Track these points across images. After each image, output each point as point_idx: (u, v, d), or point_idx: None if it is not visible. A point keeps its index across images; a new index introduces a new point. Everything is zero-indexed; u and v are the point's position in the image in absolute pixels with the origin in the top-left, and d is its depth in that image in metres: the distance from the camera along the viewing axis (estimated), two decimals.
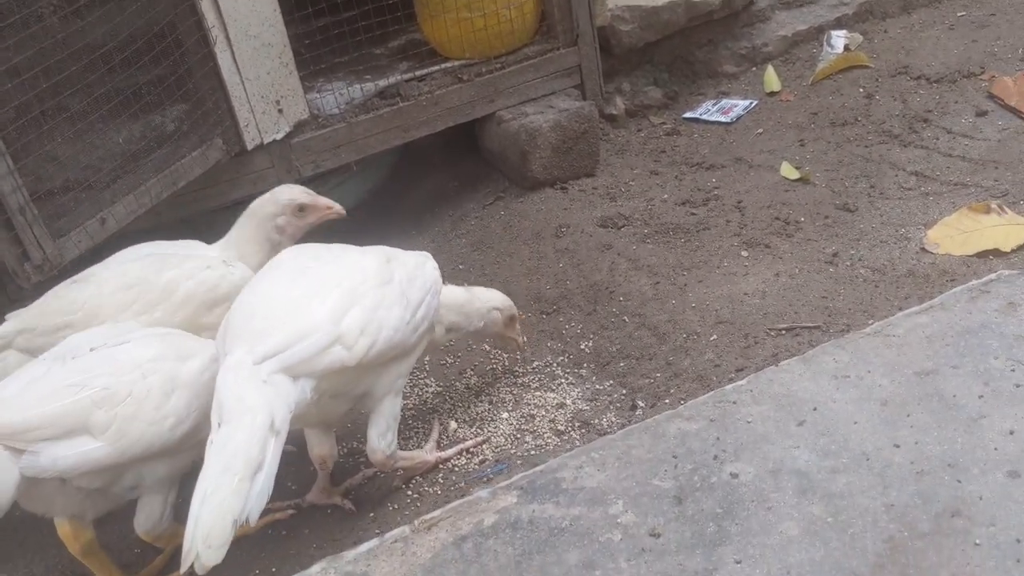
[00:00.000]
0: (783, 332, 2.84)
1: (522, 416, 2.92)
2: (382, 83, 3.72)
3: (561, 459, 2.46)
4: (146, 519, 2.42)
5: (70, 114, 3.06)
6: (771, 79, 4.42)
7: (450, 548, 2.27)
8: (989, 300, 2.63)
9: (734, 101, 4.36)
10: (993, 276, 2.72)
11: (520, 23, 3.76)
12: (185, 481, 2.36)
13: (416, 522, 2.38)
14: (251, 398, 2.14)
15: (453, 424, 2.92)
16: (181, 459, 2.40)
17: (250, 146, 3.47)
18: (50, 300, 2.71)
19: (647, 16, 4.23)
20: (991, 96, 3.99)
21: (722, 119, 4.25)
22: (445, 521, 2.35)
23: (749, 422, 2.42)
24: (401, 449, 2.67)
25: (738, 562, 2.08)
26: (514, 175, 3.89)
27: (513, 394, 3.02)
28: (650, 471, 2.35)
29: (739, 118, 4.24)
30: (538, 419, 2.90)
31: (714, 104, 4.36)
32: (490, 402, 3.02)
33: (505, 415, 2.95)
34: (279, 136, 3.52)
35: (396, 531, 2.36)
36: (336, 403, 2.45)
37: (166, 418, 2.30)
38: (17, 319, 2.67)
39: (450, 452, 2.78)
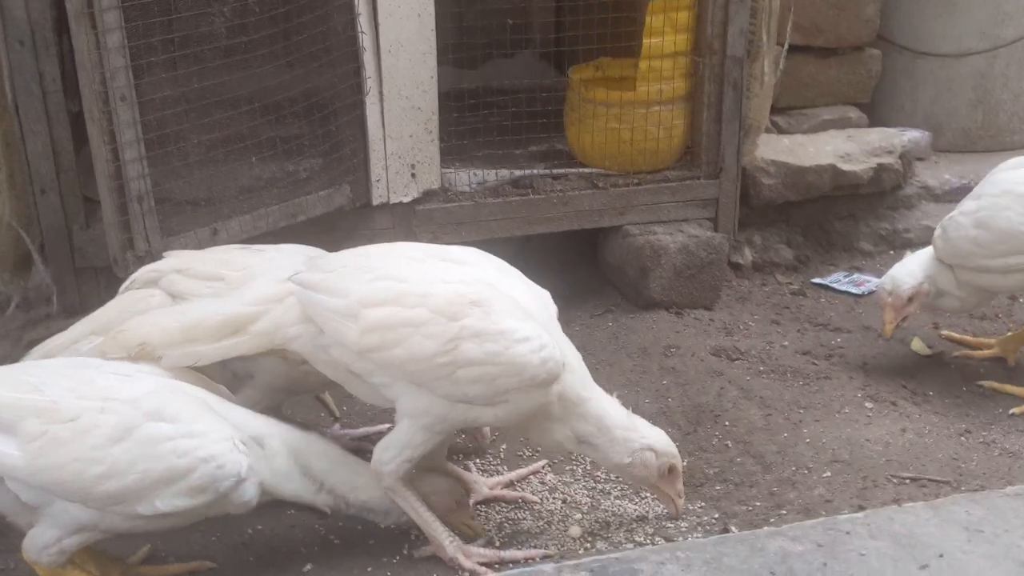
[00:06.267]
0: (907, 481, 2.54)
1: (595, 521, 2.65)
2: (517, 173, 3.68)
3: (641, 551, 2.21)
4: (32, 542, 2.15)
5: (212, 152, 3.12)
6: None
7: None
8: None
9: (867, 277, 4.17)
10: None
11: (666, 144, 3.72)
12: None
13: (468, 563, 2.13)
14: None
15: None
16: (102, 519, 2.14)
17: (375, 202, 3.44)
18: (214, 251, 2.71)
19: (792, 175, 4.14)
20: None
21: (853, 290, 4.06)
22: None
23: (863, 555, 2.12)
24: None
25: None
26: (629, 292, 3.75)
27: (590, 498, 2.76)
28: None
29: (871, 293, 4.04)
30: (613, 527, 2.62)
31: (845, 276, 4.19)
32: (563, 501, 2.76)
33: (578, 516, 2.69)
34: (406, 199, 3.48)
35: None
36: (350, 378, 2.37)
37: (97, 463, 2.08)
38: (175, 258, 2.64)
39: (484, 556, 2.38)
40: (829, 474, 2.64)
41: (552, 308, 2.54)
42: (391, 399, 2.36)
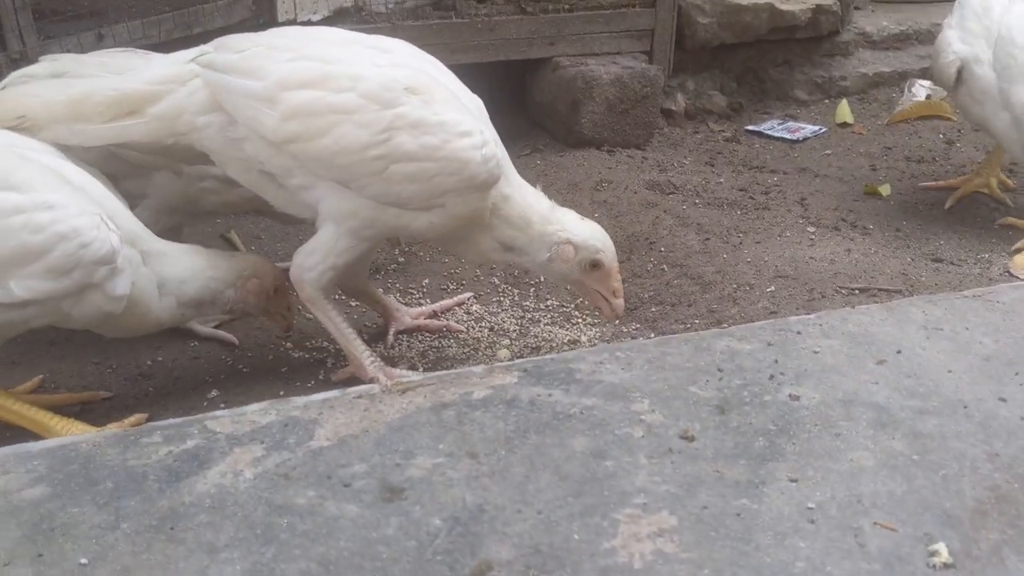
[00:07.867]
0: (856, 292, 2.40)
1: (524, 346, 2.45)
2: None
3: (578, 352, 2.00)
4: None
5: None
6: (844, 111, 4.10)
7: (426, 412, 1.79)
8: None
9: (802, 124, 4.02)
10: None
11: None
12: None
13: (390, 383, 1.91)
14: None
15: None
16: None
17: (281, 19, 3.11)
18: (95, 55, 2.40)
19: (729, 13, 3.93)
20: None
21: (788, 136, 3.90)
22: (426, 388, 1.88)
23: (816, 352, 1.96)
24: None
25: (793, 480, 1.60)
26: (559, 130, 3.52)
27: (519, 326, 2.56)
28: (687, 378, 1.88)
29: (806, 139, 3.89)
30: (543, 352, 2.43)
31: (780, 123, 4.03)
32: (490, 329, 2.56)
33: (506, 342, 2.49)
34: (315, 18, 3.16)
35: (363, 386, 1.89)
36: (263, 181, 2.09)
37: None
38: (52, 62, 2.31)
39: (406, 377, 2.08)
40: (773, 289, 2.48)
41: (486, 115, 2.26)
42: (312, 203, 2.06)
